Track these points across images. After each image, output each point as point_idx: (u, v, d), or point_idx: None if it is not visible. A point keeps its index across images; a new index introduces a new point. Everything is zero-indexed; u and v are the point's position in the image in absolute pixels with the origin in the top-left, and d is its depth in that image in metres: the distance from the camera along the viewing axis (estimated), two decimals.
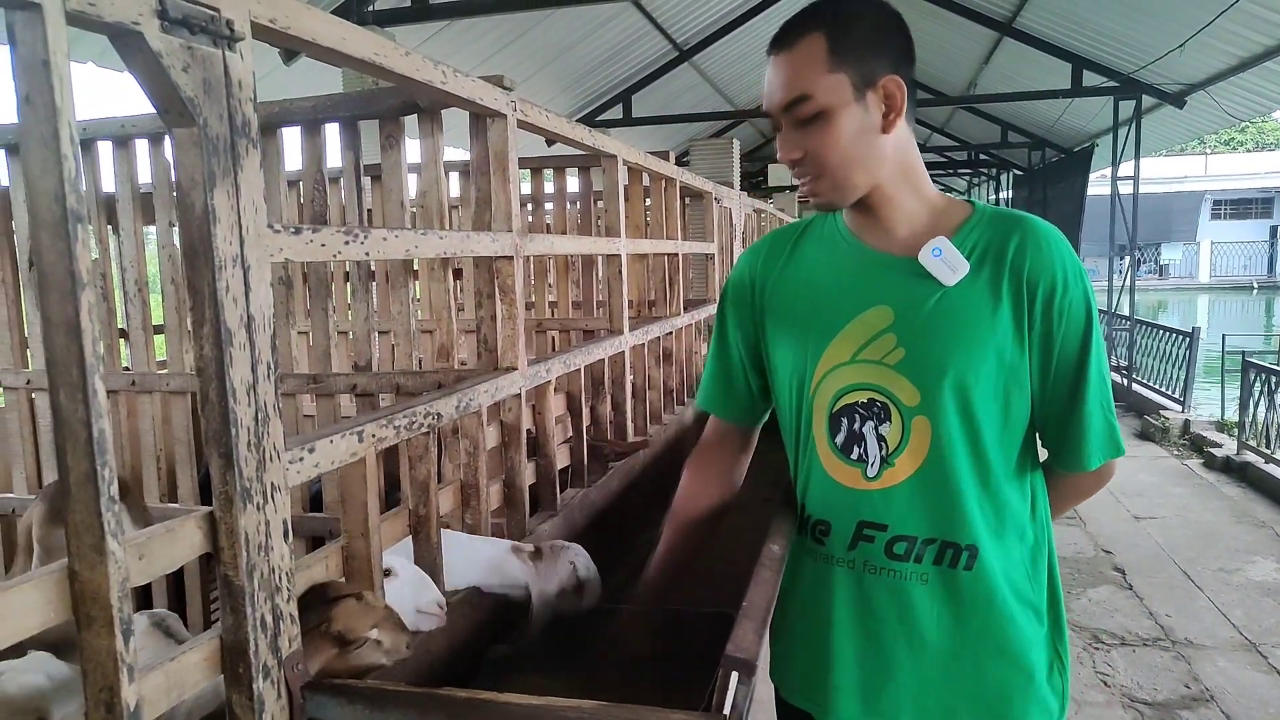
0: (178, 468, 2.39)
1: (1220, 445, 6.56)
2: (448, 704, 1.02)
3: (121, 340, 2.68)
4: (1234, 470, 6.15)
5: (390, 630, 1.18)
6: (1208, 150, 29.77)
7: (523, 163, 2.62)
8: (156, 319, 2.58)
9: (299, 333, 2.57)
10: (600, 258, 3.25)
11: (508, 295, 1.74)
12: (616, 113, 10.69)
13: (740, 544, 1.39)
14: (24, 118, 0.76)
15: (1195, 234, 30.03)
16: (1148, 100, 9.41)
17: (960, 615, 1.16)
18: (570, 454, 2.29)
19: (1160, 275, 29.63)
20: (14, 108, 0.77)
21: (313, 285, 2.06)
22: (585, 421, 2.40)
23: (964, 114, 14.66)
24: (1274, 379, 6.17)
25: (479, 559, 1.56)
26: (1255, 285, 28.62)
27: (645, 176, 3.08)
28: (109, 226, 2.46)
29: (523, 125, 1.76)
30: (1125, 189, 9.49)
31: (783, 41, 1.12)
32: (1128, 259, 10.08)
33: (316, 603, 1.15)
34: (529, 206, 4.06)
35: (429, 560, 1.47)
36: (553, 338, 3.64)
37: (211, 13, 0.90)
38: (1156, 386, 8.65)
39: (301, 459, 1.09)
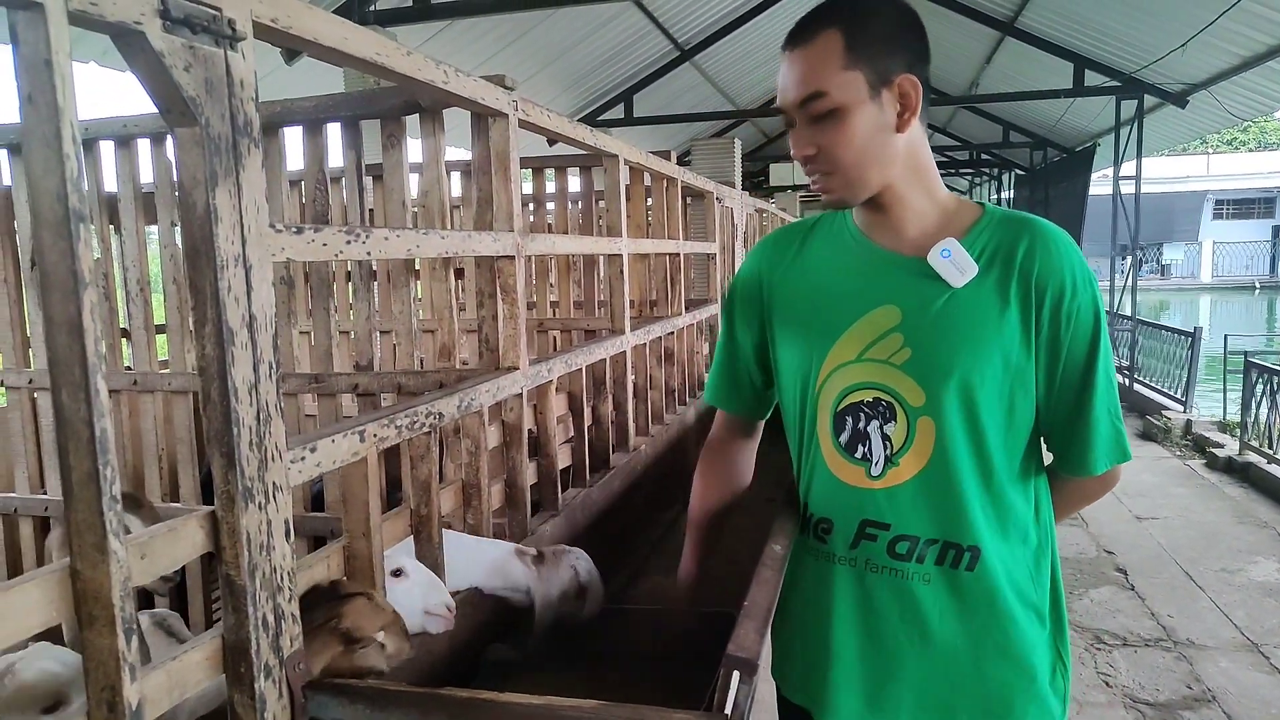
0: (179, 467, 2.39)
1: (1222, 446, 6.55)
2: (448, 704, 1.02)
3: (123, 340, 2.69)
4: (1236, 471, 6.14)
5: (395, 635, 1.18)
6: (1210, 150, 29.72)
7: (524, 162, 2.62)
8: (158, 318, 2.58)
9: (301, 332, 2.57)
10: (602, 257, 3.26)
11: (509, 295, 1.74)
12: (618, 112, 10.69)
13: (742, 543, 1.39)
14: (26, 117, 0.76)
15: (1197, 234, 29.99)
16: (1150, 100, 9.40)
17: (962, 616, 1.16)
18: (572, 454, 2.29)
19: (1162, 275, 29.59)
20: (16, 107, 0.77)
21: (314, 285, 2.06)
22: (587, 421, 2.40)
23: (966, 113, 14.65)
24: (1276, 379, 6.16)
25: (482, 560, 1.56)
26: (1257, 285, 28.58)
27: (647, 176, 3.09)
28: (111, 226, 2.47)
29: (524, 125, 1.76)
30: (1127, 189, 9.47)
31: (798, 37, 1.11)
32: (1129, 259, 10.06)
33: (327, 598, 1.15)
34: (530, 206, 4.06)
35: (431, 560, 1.47)
36: (554, 337, 3.64)
37: (213, 12, 0.90)
38: (1158, 387, 8.64)
39: (303, 458, 1.09)
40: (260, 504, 0.98)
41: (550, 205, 4.06)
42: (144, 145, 2.28)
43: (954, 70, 12.57)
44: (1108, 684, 3.33)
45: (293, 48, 1.12)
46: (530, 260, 3.65)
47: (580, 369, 2.29)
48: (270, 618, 1.00)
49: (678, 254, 3.27)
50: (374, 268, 2.01)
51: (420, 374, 1.88)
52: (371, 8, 6.09)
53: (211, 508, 0.97)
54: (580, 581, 1.57)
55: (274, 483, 1.01)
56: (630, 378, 2.63)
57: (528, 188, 3.82)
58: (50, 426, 2.32)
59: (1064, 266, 1.10)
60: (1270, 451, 5.99)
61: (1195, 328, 8.05)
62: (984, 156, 18.00)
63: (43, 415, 2.44)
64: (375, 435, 1.25)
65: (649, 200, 3.45)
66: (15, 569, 2.37)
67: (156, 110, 0.90)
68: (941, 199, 1.18)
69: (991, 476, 1.14)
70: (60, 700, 1.20)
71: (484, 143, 1.69)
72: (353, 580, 1.27)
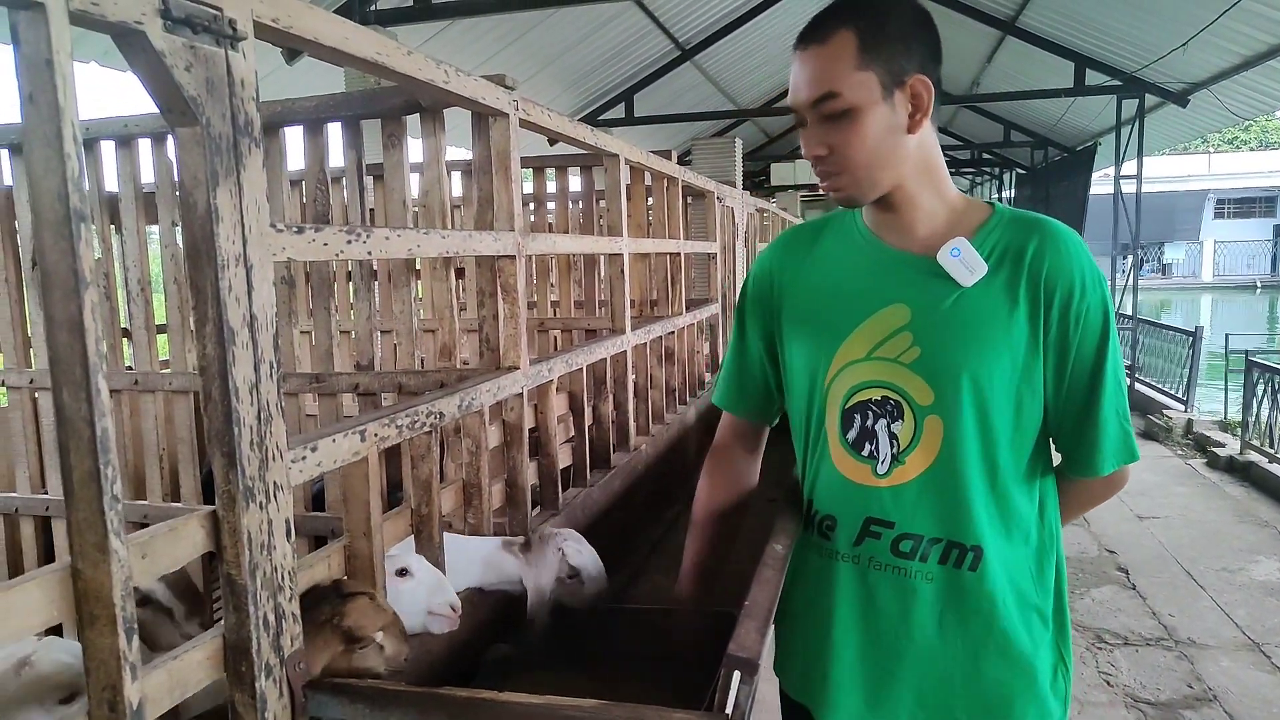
0: (180, 467, 2.39)
1: (1223, 445, 6.55)
2: (448, 703, 1.02)
3: (124, 339, 2.69)
4: (1237, 470, 6.14)
5: (394, 637, 1.18)
6: (1211, 149, 29.68)
7: (525, 162, 2.61)
8: (159, 318, 2.58)
9: (301, 332, 2.57)
10: (602, 257, 3.26)
11: (510, 294, 1.74)
12: (618, 112, 10.68)
13: (744, 543, 1.39)
14: (27, 117, 0.76)
15: (1198, 233, 29.96)
16: (1151, 99, 9.39)
17: (963, 615, 1.16)
18: (572, 453, 2.29)
19: (1163, 274, 29.55)
20: (17, 107, 0.77)
21: (315, 284, 2.06)
22: (587, 421, 2.40)
23: (967, 113, 14.64)
24: (1277, 378, 6.16)
25: (475, 558, 1.56)
26: (1259, 284, 28.54)
27: (647, 176, 3.09)
28: (112, 226, 2.47)
29: (525, 124, 1.76)
30: (1128, 188, 9.46)
31: (811, 37, 1.11)
32: (1130, 258, 10.05)
33: (329, 596, 1.15)
34: (531, 206, 4.06)
35: (431, 560, 1.47)
36: (555, 337, 3.64)
37: (214, 12, 0.90)
38: (1160, 386, 8.64)
39: (304, 458, 1.09)
40: (261, 503, 0.98)
41: (551, 205, 4.06)
42: (145, 145, 2.28)
43: (955, 69, 12.56)
44: (1109, 683, 3.33)
45: (293, 47, 1.12)
46: (531, 260, 3.65)
47: (581, 368, 2.29)
48: (271, 617, 1.00)
49: (678, 254, 3.27)
50: (375, 267, 2.01)
51: (421, 373, 1.88)
52: (372, 7, 6.09)
53: (212, 507, 0.97)
54: (570, 563, 1.56)
55: (275, 482, 1.01)
56: (631, 377, 2.62)
57: (528, 187, 3.82)
58: (51, 426, 2.32)
59: (1073, 267, 1.10)
60: (1271, 451, 5.99)
61: (1196, 327, 8.04)
62: (985, 156, 17.99)
63: (44, 415, 2.44)
64: (376, 435, 1.25)
65: (650, 200, 3.45)
66: (16, 569, 2.38)
67: (157, 110, 0.90)
68: (951, 198, 1.18)
69: (997, 477, 1.14)
70: (76, 691, 1.20)
71: (485, 142, 1.69)
72: (354, 580, 1.27)
